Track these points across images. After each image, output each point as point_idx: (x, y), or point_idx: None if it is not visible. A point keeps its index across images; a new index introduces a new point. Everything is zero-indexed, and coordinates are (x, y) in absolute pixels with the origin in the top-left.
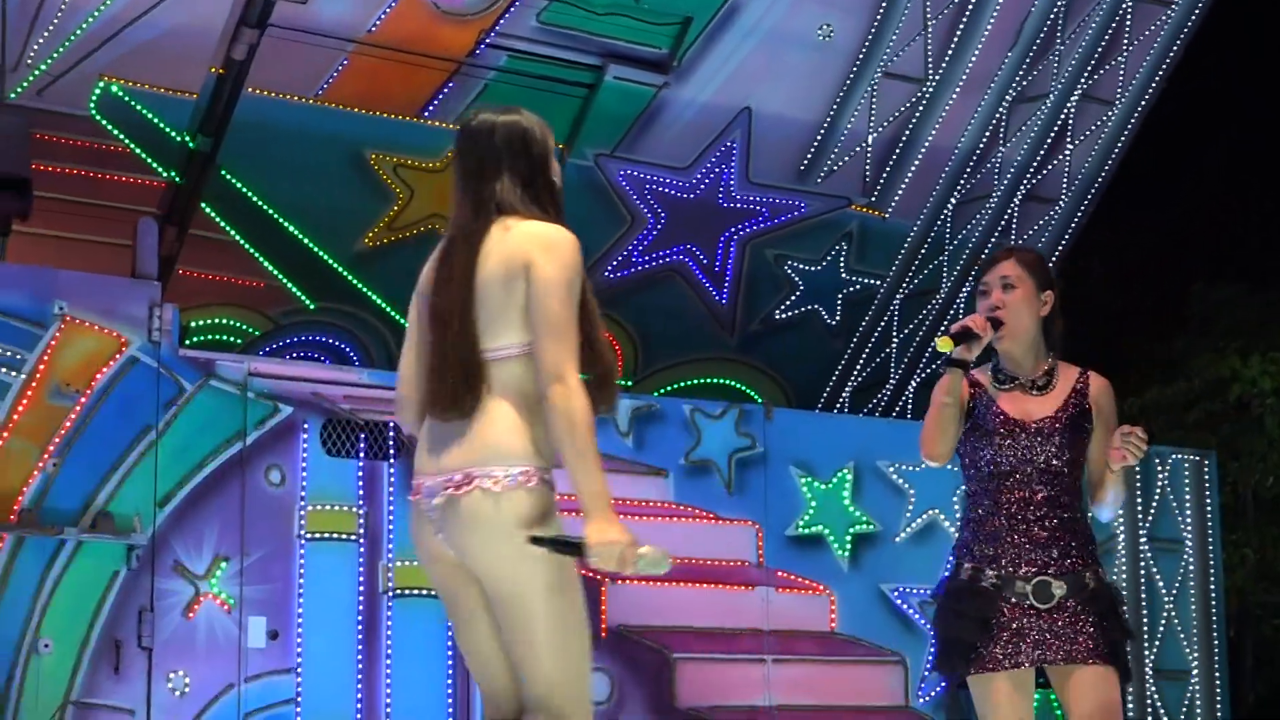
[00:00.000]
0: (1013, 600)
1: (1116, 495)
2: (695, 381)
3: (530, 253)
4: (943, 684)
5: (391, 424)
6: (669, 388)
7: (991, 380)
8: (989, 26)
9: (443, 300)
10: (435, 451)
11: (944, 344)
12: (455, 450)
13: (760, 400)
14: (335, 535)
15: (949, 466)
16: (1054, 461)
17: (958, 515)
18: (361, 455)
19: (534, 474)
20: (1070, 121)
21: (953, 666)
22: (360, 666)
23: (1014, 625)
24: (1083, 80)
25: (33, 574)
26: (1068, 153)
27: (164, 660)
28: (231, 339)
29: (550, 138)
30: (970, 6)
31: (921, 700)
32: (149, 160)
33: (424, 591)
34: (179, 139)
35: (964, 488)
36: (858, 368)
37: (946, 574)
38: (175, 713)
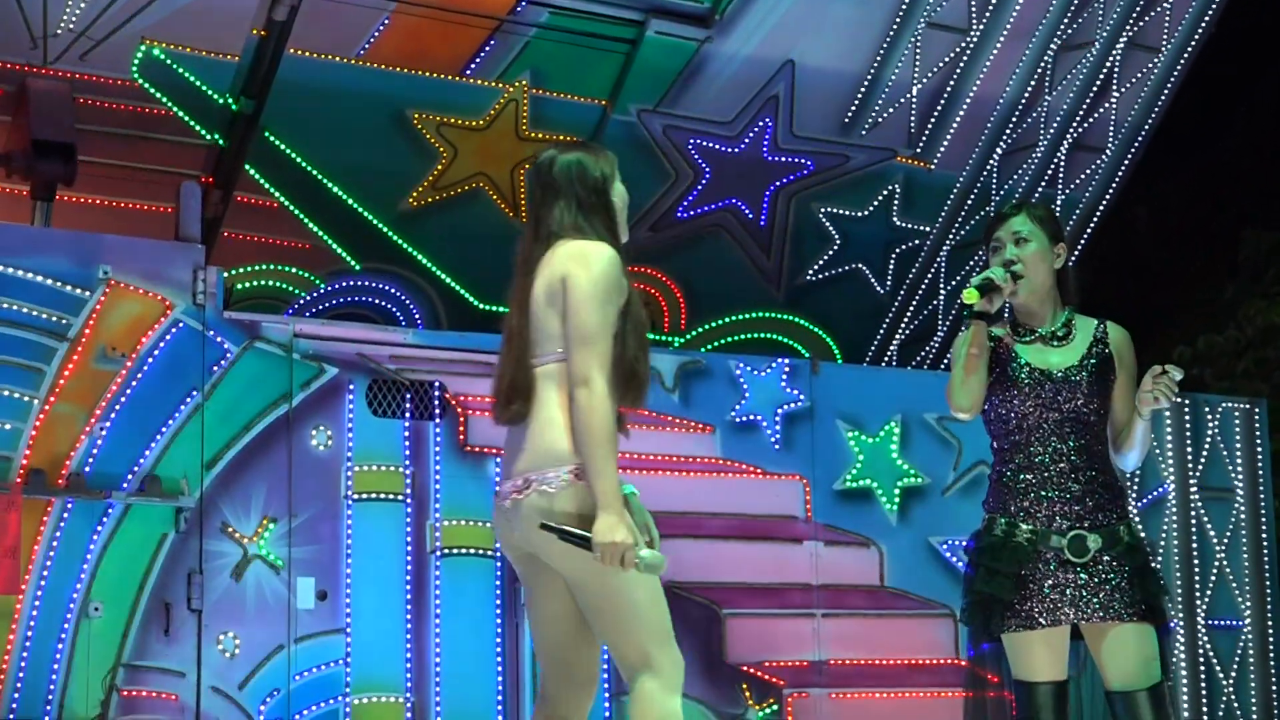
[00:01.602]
0: (1048, 555)
1: (1143, 444)
2: (742, 337)
3: (568, 267)
4: (983, 645)
5: (437, 383)
6: (715, 343)
7: (1011, 333)
8: None
9: (507, 321)
10: (508, 457)
11: (970, 296)
12: (519, 456)
13: (807, 355)
14: (382, 495)
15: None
16: (1082, 410)
17: None
18: (407, 415)
19: (580, 470)
20: (1116, 69)
21: (989, 625)
22: (409, 626)
23: (1050, 581)
24: (1128, 27)
25: (82, 538)
26: (1114, 101)
27: (214, 622)
28: (277, 301)
29: (609, 164)
30: None
31: (971, 653)
32: (192, 123)
33: (471, 550)
34: (222, 101)
35: (993, 443)
36: (905, 320)
37: (978, 530)
38: (226, 674)
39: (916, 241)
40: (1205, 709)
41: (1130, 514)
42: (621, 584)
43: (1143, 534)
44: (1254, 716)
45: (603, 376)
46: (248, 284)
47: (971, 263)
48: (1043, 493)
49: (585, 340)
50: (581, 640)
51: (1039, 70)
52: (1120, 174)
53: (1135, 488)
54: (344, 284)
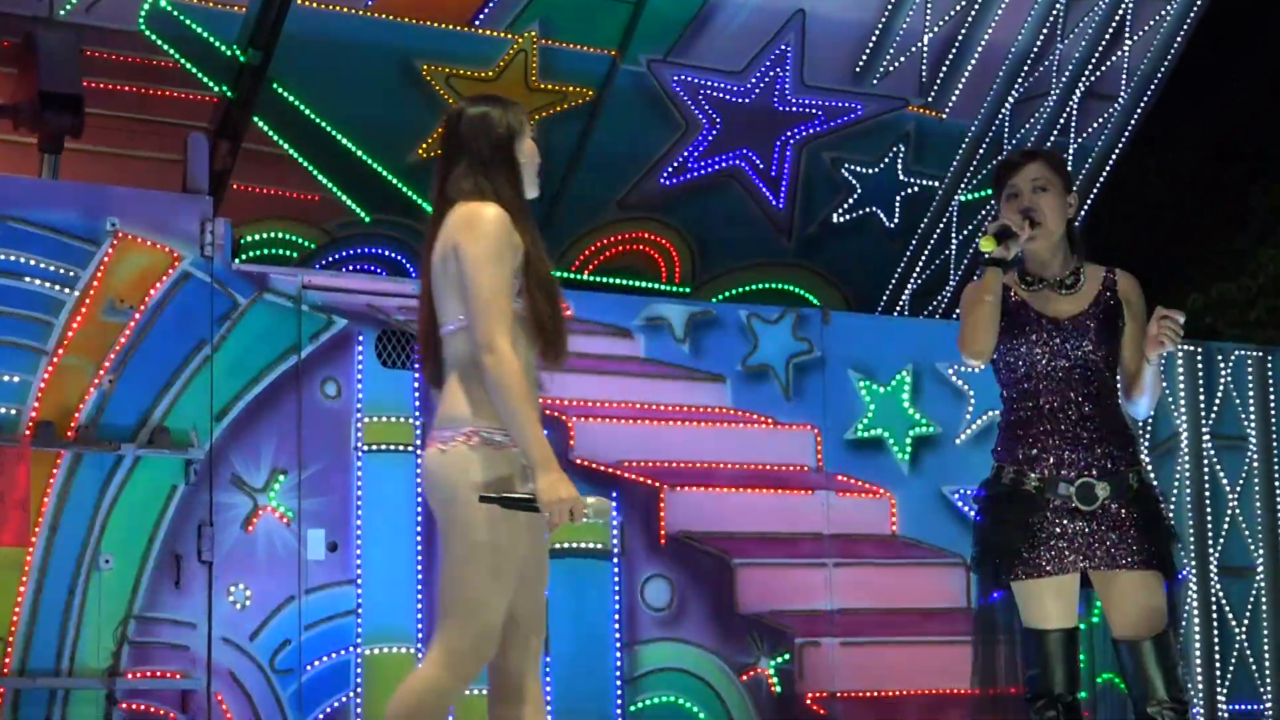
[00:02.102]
0: (1056, 503)
1: (1153, 390)
2: (753, 287)
3: (456, 234)
4: (993, 595)
5: None
6: (726, 294)
7: (1019, 282)
8: None
9: (420, 288)
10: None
11: (987, 243)
12: (433, 419)
13: (818, 304)
14: (392, 446)
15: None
16: (1091, 357)
17: None
18: (417, 366)
19: (475, 433)
20: (1128, 17)
21: (997, 574)
22: (420, 576)
23: (1058, 529)
24: None
25: (91, 490)
26: (1126, 49)
27: (224, 574)
28: (287, 253)
29: (517, 118)
30: None
31: (981, 602)
32: (199, 75)
33: None
34: (229, 53)
35: (1001, 391)
36: (916, 270)
37: (987, 478)
38: (237, 625)
39: (928, 191)
40: (1218, 656)
41: (1141, 461)
42: (462, 554)
43: (1154, 482)
44: (1266, 664)
45: (506, 339)
46: (258, 235)
47: (984, 212)
48: (1051, 441)
49: (482, 307)
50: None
51: (1051, 18)
52: (1133, 122)
53: (1147, 436)
54: (353, 235)
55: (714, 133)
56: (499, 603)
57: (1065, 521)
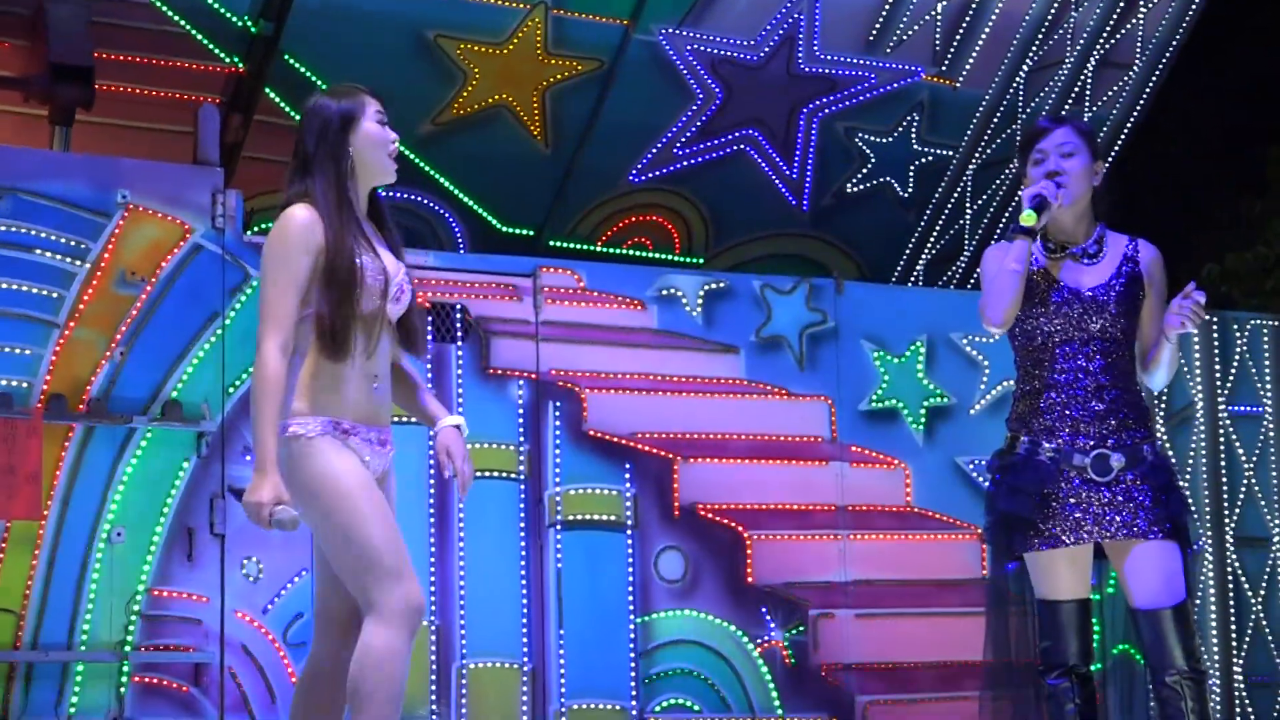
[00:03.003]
0: (1071, 474)
1: (1170, 364)
2: (767, 257)
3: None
4: (1008, 566)
5: (459, 305)
6: (740, 264)
7: (1041, 250)
8: None
9: None
10: None
11: (1029, 218)
12: None
13: (832, 274)
14: (405, 419)
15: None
16: (1110, 329)
17: None
18: (429, 338)
19: (287, 426)
20: None
21: (1011, 544)
22: (433, 549)
23: (1073, 500)
24: None
25: (104, 464)
26: (1140, 16)
27: (237, 547)
28: None
29: (355, 102)
30: None
31: (994, 573)
32: (210, 46)
33: (495, 473)
34: (240, 24)
35: (1017, 359)
36: (931, 239)
37: (1000, 448)
38: (250, 598)
39: (942, 160)
40: (1234, 627)
41: (1156, 434)
42: (337, 524)
43: (1170, 454)
44: None
45: (272, 342)
46: (268, 207)
47: (998, 180)
48: (1067, 411)
49: (260, 311)
50: (335, 581)
51: None
52: (1148, 90)
53: (1163, 407)
54: None
55: (727, 103)
56: (387, 540)
57: (1080, 491)
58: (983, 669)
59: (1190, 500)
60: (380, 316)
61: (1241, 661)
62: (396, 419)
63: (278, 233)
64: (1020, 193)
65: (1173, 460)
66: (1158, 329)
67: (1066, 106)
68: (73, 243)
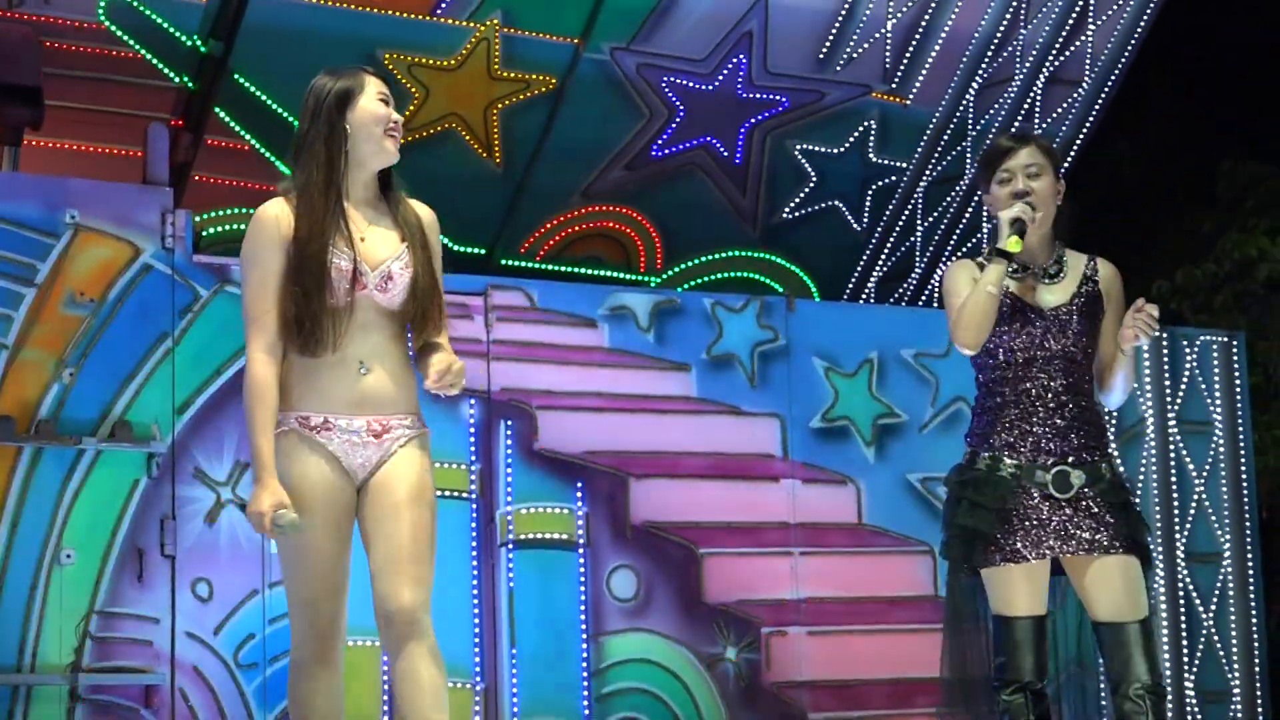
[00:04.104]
0: (1032, 490)
1: (1126, 381)
2: (718, 275)
3: None
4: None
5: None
6: (692, 282)
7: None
8: None
9: None
10: None
11: (1015, 244)
12: None
13: (783, 292)
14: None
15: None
16: (1071, 348)
17: None
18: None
19: (280, 423)
20: (1091, 1)
21: (970, 559)
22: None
23: (1034, 516)
24: None
25: (53, 485)
26: (1090, 33)
27: (187, 568)
28: None
29: (352, 85)
30: None
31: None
32: (160, 66)
33: (446, 492)
34: (190, 43)
35: (978, 376)
36: (882, 257)
37: (960, 464)
38: (200, 619)
39: (893, 177)
40: (1185, 643)
41: (1112, 451)
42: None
43: (1123, 471)
44: (1234, 650)
45: (256, 344)
46: (222, 227)
47: (949, 198)
48: (1028, 428)
49: (243, 314)
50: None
51: (1014, 3)
52: (1098, 107)
53: (1114, 423)
54: None
55: (678, 120)
56: (296, 576)
57: (1041, 507)
58: (940, 685)
59: (1145, 519)
60: (350, 307)
61: (1193, 677)
62: None
63: (248, 231)
64: (997, 214)
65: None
66: (1115, 347)
67: (1016, 123)
68: (21, 263)
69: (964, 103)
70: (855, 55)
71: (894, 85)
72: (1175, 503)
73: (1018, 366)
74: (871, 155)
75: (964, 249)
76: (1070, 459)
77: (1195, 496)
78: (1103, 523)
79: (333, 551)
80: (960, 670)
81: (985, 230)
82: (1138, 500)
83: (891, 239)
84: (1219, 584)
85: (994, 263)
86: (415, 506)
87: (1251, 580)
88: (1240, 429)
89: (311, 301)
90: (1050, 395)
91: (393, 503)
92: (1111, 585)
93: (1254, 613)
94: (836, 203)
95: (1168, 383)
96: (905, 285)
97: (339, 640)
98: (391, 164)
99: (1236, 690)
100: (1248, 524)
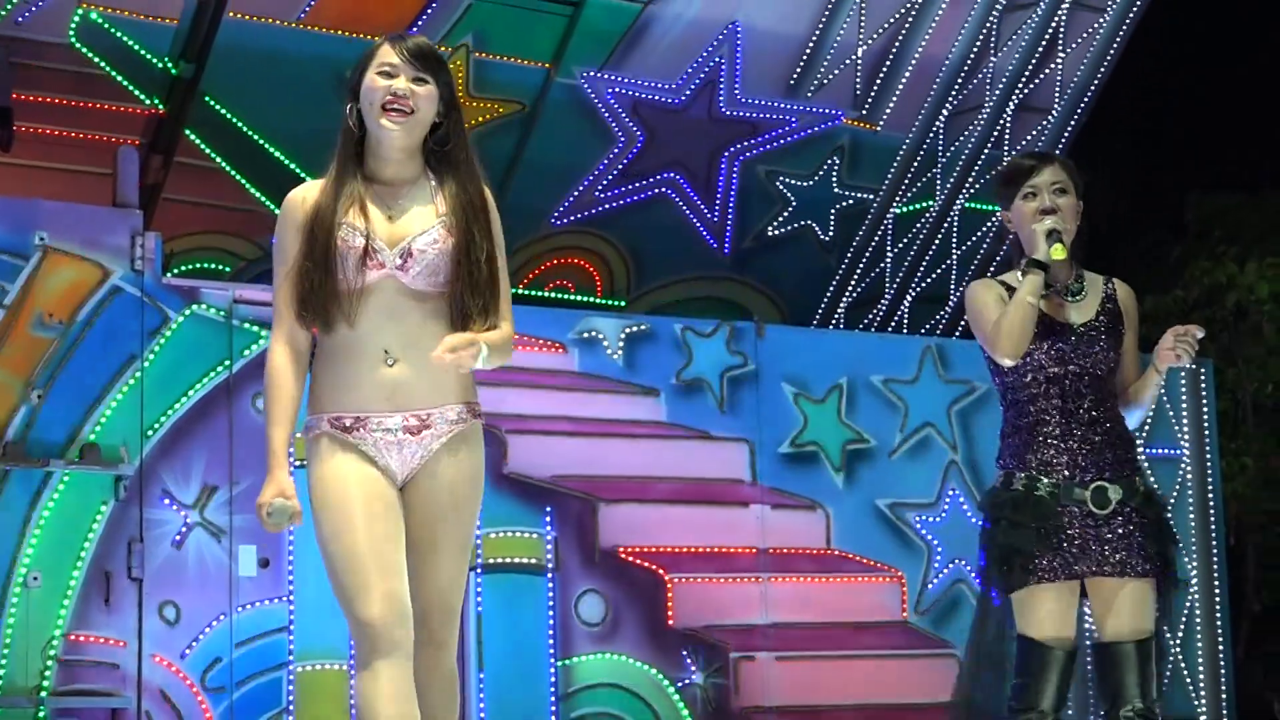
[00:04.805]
0: (1071, 508)
1: (1152, 399)
2: (688, 300)
3: None
4: (994, 598)
5: None
6: (662, 306)
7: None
8: None
9: None
10: None
11: (1059, 251)
12: None
13: (753, 317)
14: None
15: (942, 380)
16: (1098, 365)
17: (951, 430)
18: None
19: (311, 427)
20: (1061, 29)
21: (1011, 578)
22: None
23: (1071, 534)
24: None
25: (20, 507)
26: (1059, 61)
27: (155, 591)
28: (219, 267)
29: (365, 58)
30: None
31: (920, 614)
32: (131, 88)
33: None
34: (161, 65)
35: (1005, 396)
36: (852, 283)
37: (994, 486)
38: (167, 643)
39: (863, 203)
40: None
41: (1142, 466)
42: (319, 538)
43: (1155, 485)
44: (1201, 676)
45: (275, 338)
46: (191, 249)
47: (919, 224)
48: (1063, 446)
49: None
50: None
51: (984, 31)
52: (1066, 134)
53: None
54: None
55: (649, 146)
56: (345, 563)
57: (1079, 526)
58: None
59: (1177, 533)
60: (364, 288)
61: (1160, 703)
62: None
63: (279, 216)
64: (1013, 231)
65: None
66: (1134, 367)
67: (986, 150)
68: None
69: (934, 129)
70: (826, 81)
71: (864, 111)
72: None
73: (1050, 383)
74: (842, 181)
75: (933, 275)
76: (1107, 474)
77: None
78: (1133, 543)
79: (378, 539)
80: (974, 696)
81: (956, 254)
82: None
83: (861, 265)
84: (1187, 610)
85: (1032, 273)
86: (451, 521)
87: (1219, 607)
88: (1208, 456)
89: (314, 278)
90: (1083, 412)
91: (428, 517)
92: (1122, 607)
93: (1221, 639)
94: (807, 228)
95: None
96: (875, 311)
97: (404, 628)
98: (395, 142)
99: (1204, 716)
100: (1215, 550)
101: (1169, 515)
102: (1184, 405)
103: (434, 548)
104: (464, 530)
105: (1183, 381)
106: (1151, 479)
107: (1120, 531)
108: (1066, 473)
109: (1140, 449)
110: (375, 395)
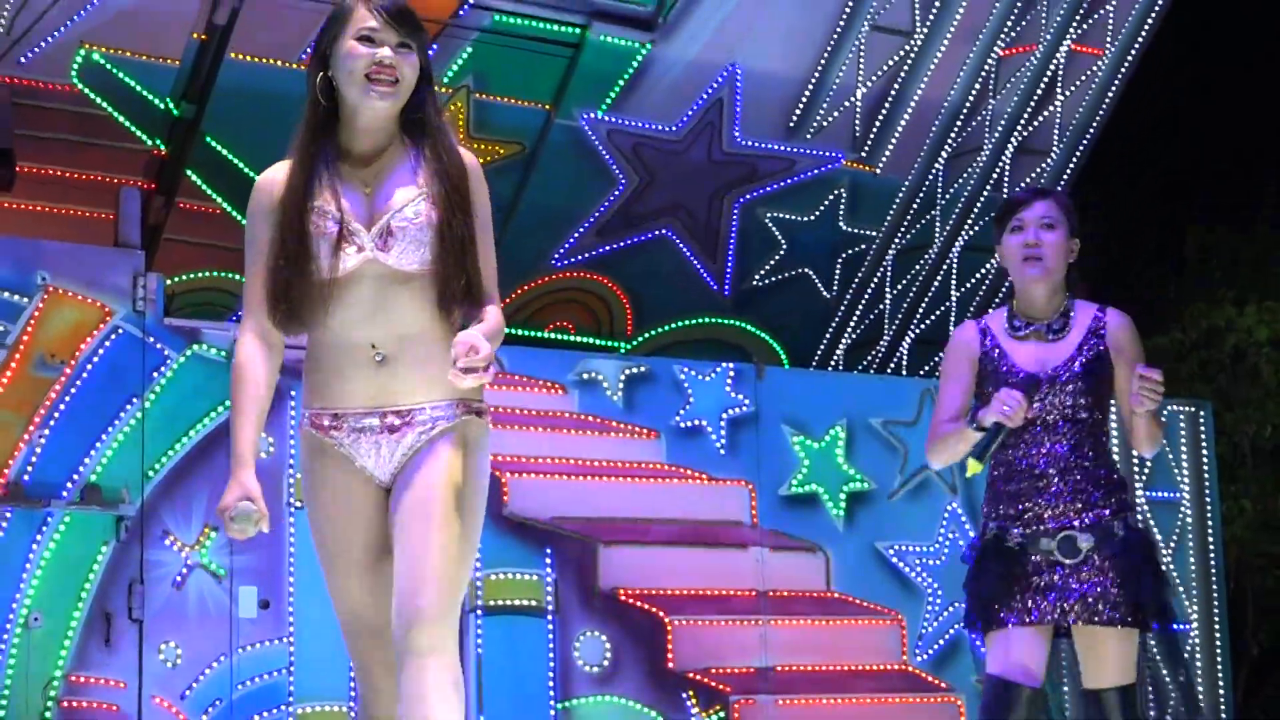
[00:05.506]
0: (1037, 558)
1: (1150, 433)
2: (688, 342)
3: None
4: (976, 641)
5: None
6: (662, 349)
7: (1006, 327)
8: None
9: None
10: None
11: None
12: None
13: (753, 359)
14: None
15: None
16: (1073, 409)
17: (951, 473)
18: None
19: (303, 421)
20: (1060, 72)
21: (973, 623)
22: None
23: (1036, 581)
24: (1071, 30)
25: (21, 548)
26: (1058, 104)
27: (155, 632)
28: (220, 307)
29: (338, 22)
30: None
31: (919, 658)
32: (133, 128)
33: None
34: (163, 106)
35: None
36: (851, 325)
37: (977, 534)
38: (167, 684)
39: (863, 245)
40: (1153, 713)
41: (1133, 507)
42: None
43: (1144, 526)
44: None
45: (245, 330)
46: (193, 289)
47: (918, 266)
48: (1030, 496)
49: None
50: None
51: (983, 73)
52: (1066, 177)
53: (1143, 473)
54: None
55: (649, 187)
56: (325, 549)
57: (1046, 573)
58: None
59: (1166, 576)
60: (341, 278)
61: None
62: None
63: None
64: (979, 414)
65: (1154, 533)
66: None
67: (985, 193)
68: None
69: (933, 171)
70: (825, 124)
71: (864, 154)
72: None
73: (1019, 433)
74: (841, 223)
75: (932, 317)
76: (1077, 523)
77: (1163, 567)
78: (1107, 591)
79: (365, 555)
80: None
81: (956, 296)
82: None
83: (860, 306)
84: (1187, 653)
85: (972, 431)
86: (433, 523)
87: (1219, 650)
88: (1208, 499)
89: (286, 273)
90: (1052, 461)
91: (405, 521)
92: (1100, 655)
93: (1221, 682)
94: (806, 270)
95: (1135, 453)
96: (874, 353)
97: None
98: (378, 116)
99: None
100: (1215, 594)
101: (1162, 557)
102: (1183, 449)
103: (415, 549)
104: (450, 529)
105: (1182, 425)
106: (1143, 519)
107: (1088, 581)
108: (1033, 525)
109: (1140, 492)
110: (357, 392)
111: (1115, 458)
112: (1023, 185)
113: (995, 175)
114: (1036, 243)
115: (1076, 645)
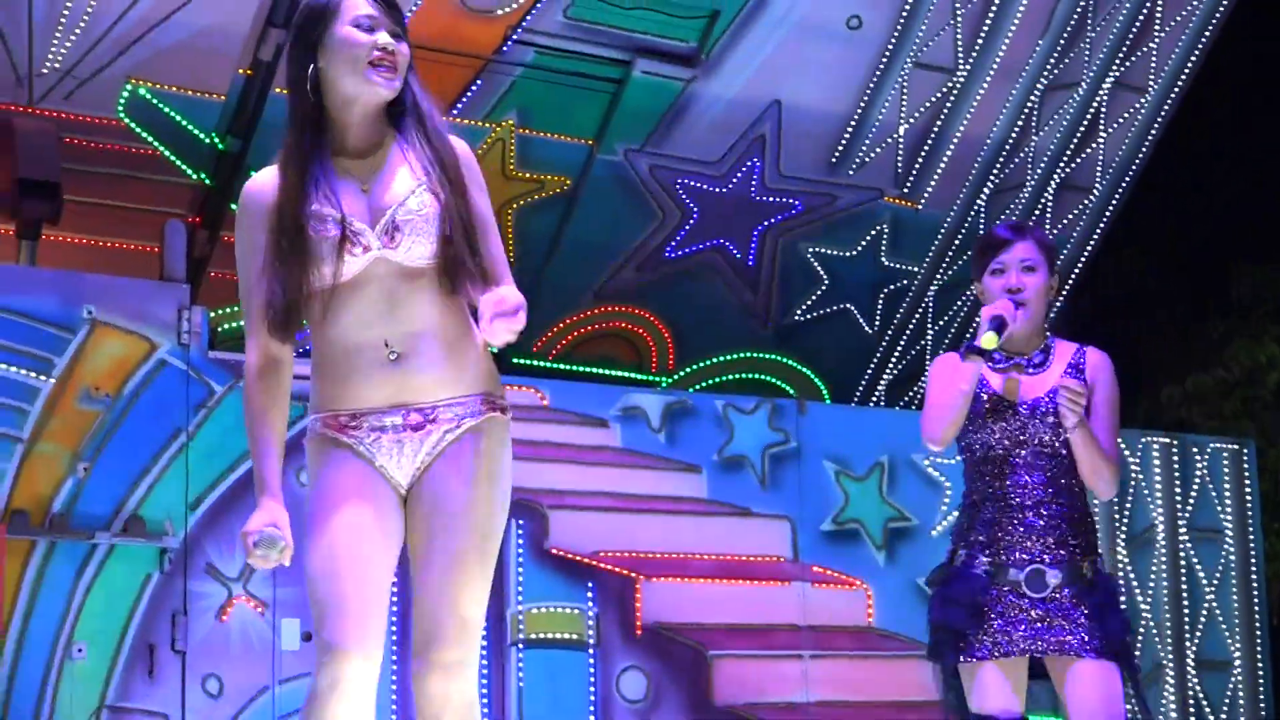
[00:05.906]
0: (1005, 588)
1: (1092, 462)
2: (730, 377)
3: None
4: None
5: None
6: (704, 383)
7: (985, 361)
8: (1019, 14)
9: None
10: None
11: (990, 340)
12: None
13: (794, 394)
14: None
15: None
16: (1050, 442)
17: None
18: None
19: (308, 430)
20: (1103, 109)
21: (942, 654)
22: (395, 665)
23: (1007, 613)
24: (1114, 68)
25: (65, 579)
26: (1101, 141)
27: (198, 663)
28: None
29: (305, 16)
30: None
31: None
32: (178, 163)
33: None
34: (208, 141)
35: (964, 472)
36: (893, 360)
37: (941, 562)
38: (210, 716)
39: (904, 281)
40: None
41: (1097, 549)
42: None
43: (1105, 570)
44: None
45: (250, 349)
46: (234, 323)
47: (960, 302)
48: (1003, 526)
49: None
50: None
51: (1026, 110)
52: (1108, 213)
53: (1125, 528)
54: None
55: (691, 222)
56: (323, 583)
57: (1013, 605)
58: None
59: (1145, 620)
60: (346, 282)
61: None
62: None
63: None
64: (981, 310)
65: (1120, 580)
66: (1106, 434)
67: None
68: (38, 357)
69: (976, 207)
70: (868, 160)
71: (906, 190)
72: (1185, 610)
73: (996, 463)
74: (883, 259)
75: (962, 350)
76: (1047, 558)
77: (1205, 604)
78: (1077, 624)
79: (363, 551)
80: None
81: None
82: (1147, 605)
83: (902, 342)
84: (1229, 692)
85: (969, 359)
86: (460, 528)
87: (1262, 688)
88: (1250, 536)
89: (289, 285)
90: (1027, 492)
91: (431, 525)
92: (1083, 690)
93: (1264, 718)
94: (848, 305)
95: (1178, 489)
96: (916, 388)
97: (366, 663)
98: (381, 101)
99: None
100: (1258, 631)
101: (1120, 602)
102: (1226, 486)
103: (440, 557)
104: (476, 535)
105: (1225, 462)
106: (1103, 563)
107: (1056, 613)
108: (1003, 554)
109: (1183, 528)
110: (375, 391)
111: (1095, 504)
112: (1064, 224)
113: (1037, 212)
114: (1019, 288)
115: (1059, 686)
